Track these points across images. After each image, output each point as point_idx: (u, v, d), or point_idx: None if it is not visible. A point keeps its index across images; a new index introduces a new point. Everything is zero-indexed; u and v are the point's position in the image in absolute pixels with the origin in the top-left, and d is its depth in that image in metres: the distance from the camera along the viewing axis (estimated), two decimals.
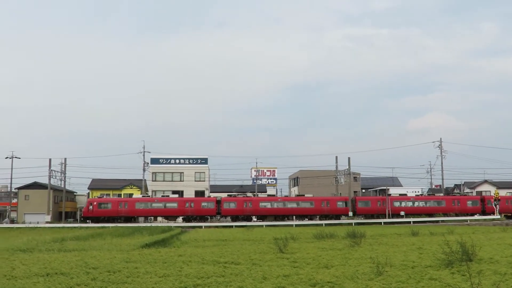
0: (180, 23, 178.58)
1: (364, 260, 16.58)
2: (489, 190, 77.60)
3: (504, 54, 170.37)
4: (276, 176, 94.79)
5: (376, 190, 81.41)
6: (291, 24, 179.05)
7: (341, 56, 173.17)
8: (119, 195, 70.36)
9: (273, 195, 78.32)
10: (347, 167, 66.54)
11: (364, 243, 23.56)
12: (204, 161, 77.87)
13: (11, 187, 76.88)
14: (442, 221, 57.60)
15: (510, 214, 63.68)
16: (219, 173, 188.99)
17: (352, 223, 52.27)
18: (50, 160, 61.42)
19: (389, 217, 59.71)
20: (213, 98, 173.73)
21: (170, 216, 61.02)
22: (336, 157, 69.07)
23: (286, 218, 61.60)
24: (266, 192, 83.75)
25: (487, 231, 35.14)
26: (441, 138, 72.75)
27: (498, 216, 59.60)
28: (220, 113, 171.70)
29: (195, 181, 76.01)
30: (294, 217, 61.76)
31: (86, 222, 58.23)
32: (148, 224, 51.04)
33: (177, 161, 77.74)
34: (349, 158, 66.81)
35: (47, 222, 57.68)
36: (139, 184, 73.65)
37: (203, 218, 60.72)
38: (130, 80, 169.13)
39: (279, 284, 12.16)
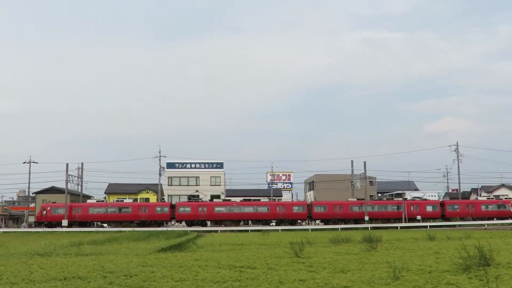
0: (195, 29, 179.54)
1: (380, 265, 16.47)
2: (506, 194, 76.49)
3: None
4: (291, 181, 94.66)
5: (392, 194, 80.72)
6: (307, 28, 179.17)
7: (357, 59, 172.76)
8: (135, 200, 70.74)
9: (286, 200, 77.65)
10: (363, 171, 66.23)
11: (381, 247, 23.45)
12: (220, 165, 78.05)
13: (28, 191, 77.92)
14: (459, 225, 57.25)
15: None
16: (235, 177, 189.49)
17: (368, 227, 52.04)
18: (67, 164, 61.89)
19: (348, 223, 59.29)
20: (229, 102, 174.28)
21: (124, 221, 59.92)
22: (352, 161, 69.05)
23: (241, 223, 60.13)
24: (281, 196, 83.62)
25: (505, 236, 34.79)
26: (457, 142, 72.28)
27: None
28: (236, 118, 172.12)
29: (211, 185, 76.22)
30: (249, 222, 60.56)
31: (41, 227, 58.59)
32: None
33: (193, 165, 78.03)
34: (364, 162, 66.65)
35: (63, 227, 58.12)
36: (155, 188, 73.97)
37: (157, 223, 59.87)
38: (145, 85, 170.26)
39: None
